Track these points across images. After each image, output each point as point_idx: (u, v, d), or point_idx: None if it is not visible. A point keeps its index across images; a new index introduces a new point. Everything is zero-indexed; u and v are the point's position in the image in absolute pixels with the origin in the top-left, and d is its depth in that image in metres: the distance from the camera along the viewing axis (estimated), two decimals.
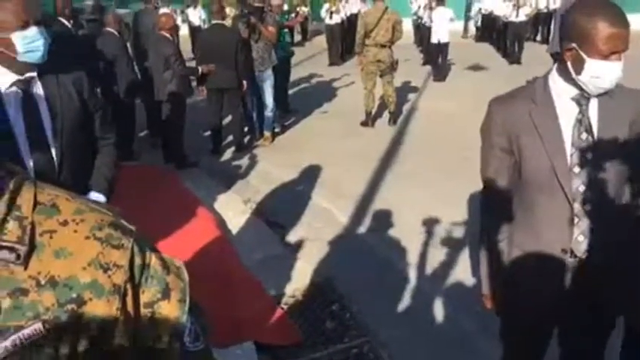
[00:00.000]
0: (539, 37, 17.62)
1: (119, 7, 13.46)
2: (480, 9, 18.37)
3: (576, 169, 1.74)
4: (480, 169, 1.97)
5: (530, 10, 14.75)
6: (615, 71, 1.63)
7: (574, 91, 1.73)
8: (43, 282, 0.73)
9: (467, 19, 19.80)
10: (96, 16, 7.28)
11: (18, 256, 0.72)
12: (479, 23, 18.93)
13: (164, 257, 0.86)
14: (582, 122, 1.73)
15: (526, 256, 1.87)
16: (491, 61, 14.01)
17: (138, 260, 0.81)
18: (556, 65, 1.78)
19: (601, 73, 1.63)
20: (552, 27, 13.91)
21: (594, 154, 1.72)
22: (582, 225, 1.77)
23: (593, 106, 1.74)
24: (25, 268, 0.73)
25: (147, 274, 0.82)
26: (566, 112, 1.74)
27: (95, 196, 2.34)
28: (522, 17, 14.08)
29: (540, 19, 17.51)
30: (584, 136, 1.73)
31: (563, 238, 1.79)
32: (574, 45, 1.65)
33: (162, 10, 7.37)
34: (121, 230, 0.80)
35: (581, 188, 1.74)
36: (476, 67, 13.16)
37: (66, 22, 6.30)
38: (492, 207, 1.95)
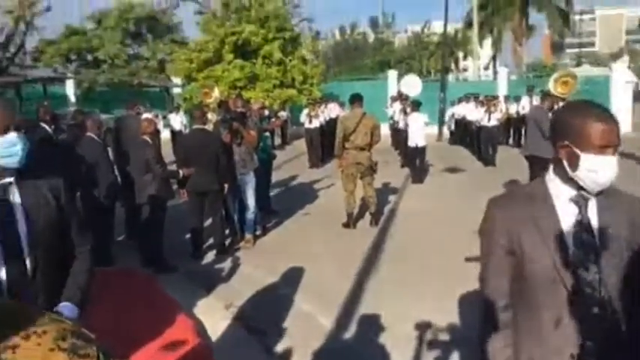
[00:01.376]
0: (510, 141, 18.29)
1: (102, 112, 13.72)
2: (453, 114, 19.15)
3: (579, 271, 1.70)
4: (481, 270, 1.91)
5: (501, 115, 15.41)
6: (611, 165, 1.65)
7: (572, 192, 1.73)
8: None
9: (441, 123, 20.54)
10: (77, 120, 7.38)
11: None
12: (452, 127, 19.64)
13: None
14: (582, 223, 1.72)
15: None
16: (467, 164, 14.39)
17: None
18: (552, 166, 1.80)
19: (597, 167, 1.64)
20: (524, 131, 14.44)
21: (596, 255, 1.70)
22: (589, 328, 1.71)
23: (592, 207, 1.74)
24: None
25: None
26: (566, 213, 1.74)
27: (67, 306, 2.21)
28: (494, 122, 14.68)
29: (511, 124, 18.28)
30: (584, 236, 1.71)
31: (570, 342, 1.72)
32: (567, 142, 1.68)
33: (145, 116, 7.50)
34: (83, 339, 0.79)
35: (587, 289, 1.70)
36: (453, 170, 13.47)
37: (47, 128, 6.37)
38: (494, 310, 1.86)
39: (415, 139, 12.05)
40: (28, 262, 2.07)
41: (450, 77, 37.81)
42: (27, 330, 0.76)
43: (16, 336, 0.75)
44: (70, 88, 23.49)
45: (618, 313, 1.72)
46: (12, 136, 2.02)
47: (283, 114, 19.34)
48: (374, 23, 60.16)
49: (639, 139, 14.27)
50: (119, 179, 6.99)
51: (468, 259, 6.00)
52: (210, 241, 7.15)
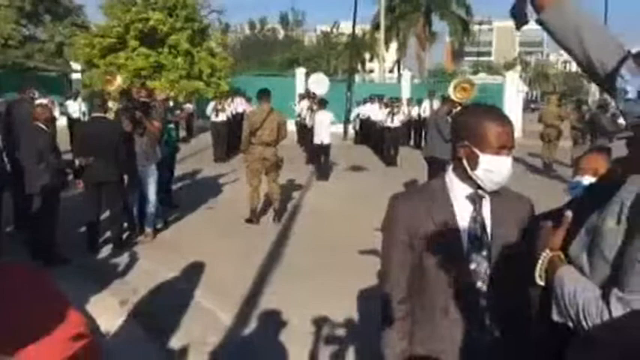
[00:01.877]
0: (411, 142, 18.98)
1: None
2: (358, 114, 19.56)
3: (473, 266, 1.81)
4: (382, 265, 1.98)
5: (403, 117, 15.98)
6: (506, 165, 1.78)
7: (469, 190, 1.84)
8: None
9: (346, 122, 20.91)
10: None
11: None
12: (357, 127, 20.07)
13: None
14: (477, 220, 1.83)
15: (428, 354, 1.87)
16: (370, 163, 14.78)
17: None
18: (451, 166, 1.90)
19: (494, 168, 1.76)
20: (424, 133, 15.05)
21: (488, 250, 1.82)
22: (482, 321, 1.82)
23: (486, 205, 1.85)
24: None
25: None
26: (463, 209, 1.84)
27: None
28: (397, 123, 15.19)
29: (412, 126, 18.98)
30: (478, 232, 1.82)
31: (463, 334, 1.81)
32: (467, 143, 1.79)
33: (39, 101, 7.09)
34: None
35: (478, 283, 1.81)
36: (356, 168, 13.78)
37: None
38: (393, 303, 1.93)
39: (321, 137, 12.21)
40: None
41: (357, 78, 38.58)
42: None
43: None
44: None
45: (505, 306, 1.83)
46: None
47: (189, 106, 18.91)
48: (284, 20, 60.15)
49: (529, 145, 15.27)
50: (8, 167, 6.54)
51: (361, 253, 6.22)
52: (107, 234, 6.87)
